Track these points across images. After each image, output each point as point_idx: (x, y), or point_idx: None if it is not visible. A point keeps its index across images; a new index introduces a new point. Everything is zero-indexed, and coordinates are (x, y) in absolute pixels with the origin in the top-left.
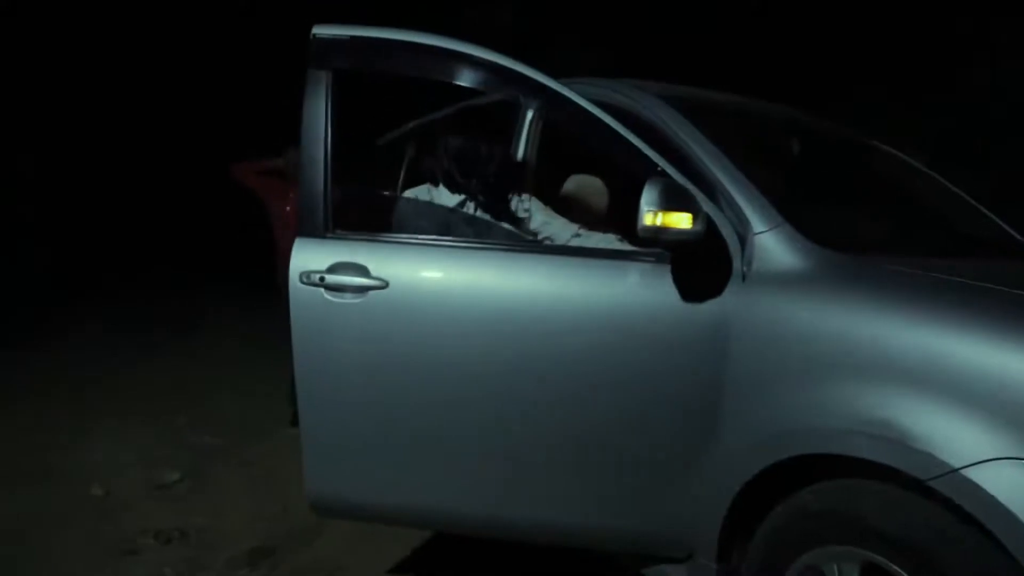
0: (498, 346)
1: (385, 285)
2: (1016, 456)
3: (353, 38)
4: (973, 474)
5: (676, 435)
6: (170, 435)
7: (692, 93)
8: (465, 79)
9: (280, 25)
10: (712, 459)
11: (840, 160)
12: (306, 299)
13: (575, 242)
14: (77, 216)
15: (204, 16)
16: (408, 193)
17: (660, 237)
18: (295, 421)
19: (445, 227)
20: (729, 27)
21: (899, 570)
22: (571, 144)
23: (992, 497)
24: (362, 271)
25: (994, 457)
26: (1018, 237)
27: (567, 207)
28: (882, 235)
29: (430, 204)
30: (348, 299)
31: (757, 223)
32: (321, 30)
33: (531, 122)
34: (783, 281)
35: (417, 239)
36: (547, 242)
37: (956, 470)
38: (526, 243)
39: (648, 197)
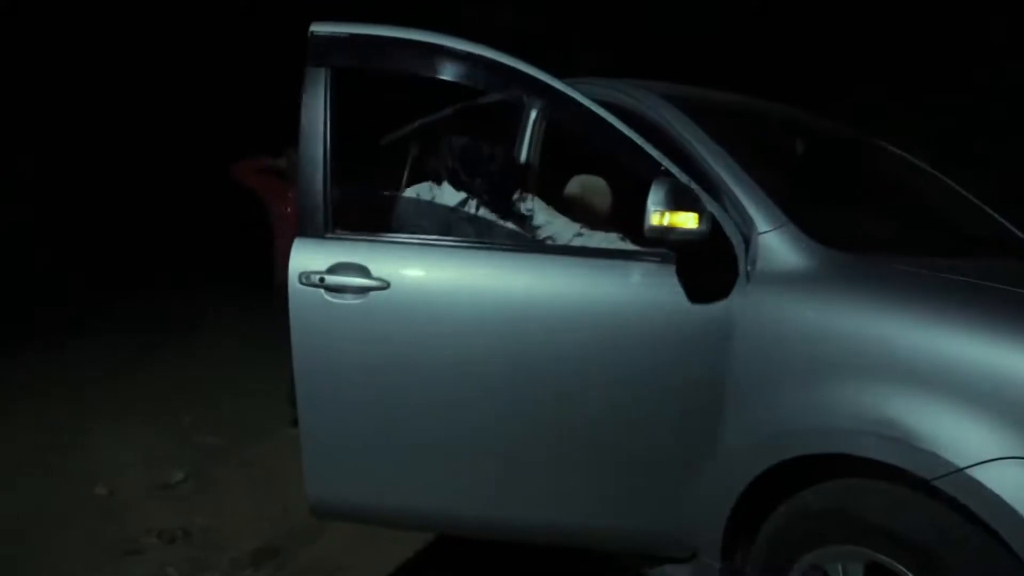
0: (501, 346)
1: (386, 286)
2: (1021, 456)
3: (352, 35)
4: (978, 473)
5: (679, 435)
6: (172, 435)
7: (696, 93)
8: (467, 78)
9: (280, 24)
10: (716, 459)
11: (844, 159)
12: (306, 300)
13: (577, 242)
14: (77, 216)
15: (204, 16)
16: (409, 191)
17: (666, 237)
18: (295, 422)
19: (446, 227)
20: (729, 27)
21: (904, 569)
22: (575, 144)
23: (997, 496)
24: (363, 272)
25: (999, 457)
26: (1022, 236)
27: (571, 207)
28: (886, 234)
29: (431, 204)
30: (348, 300)
31: (761, 223)
32: (319, 27)
33: (535, 122)
34: (787, 281)
35: (419, 239)
36: (549, 242)
37: (961, 469)
38: (530, 243)
39: (655, 197)
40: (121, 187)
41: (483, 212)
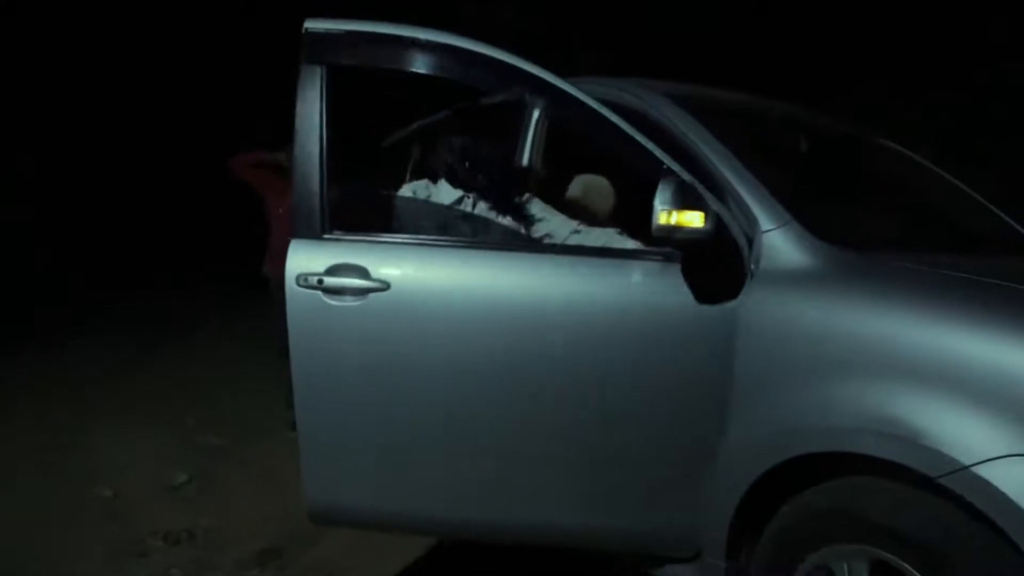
0: (505, 348)
1: (386, 287)
2: None
3: (348, 32)
4: (984, 471)
5: (683, 435)
6: (174, 436)
7: (699, 92)
8: (468, 77)
9: (280, 23)
10: (719, 458)
11: (846, 157)
12: (303, 302)
13: (574, 238)
14: (77, 216)
15: (204, 16)
16: (406, 189)
17: (673, 236)
18: (295, 426)
19: (443, 225)
20: (729, 27)
21: (909, 568)
22: (578, 144)
23: (1003, 494)
24: (362, 273)
25: (1005, 454)
26: None
27: (574, 207)
28: (889, 232)
29: (427, 202)
30: (347, 302)
31: (765, 221)
32: (314, 24)
33: (537, 121)
34: (791, 279)
35: (418, 239)
36: (547, 239)
37: (967, 467)
38: (535, 243)
39: (662, 196)
40: (121, 187)
41: (479, 210)
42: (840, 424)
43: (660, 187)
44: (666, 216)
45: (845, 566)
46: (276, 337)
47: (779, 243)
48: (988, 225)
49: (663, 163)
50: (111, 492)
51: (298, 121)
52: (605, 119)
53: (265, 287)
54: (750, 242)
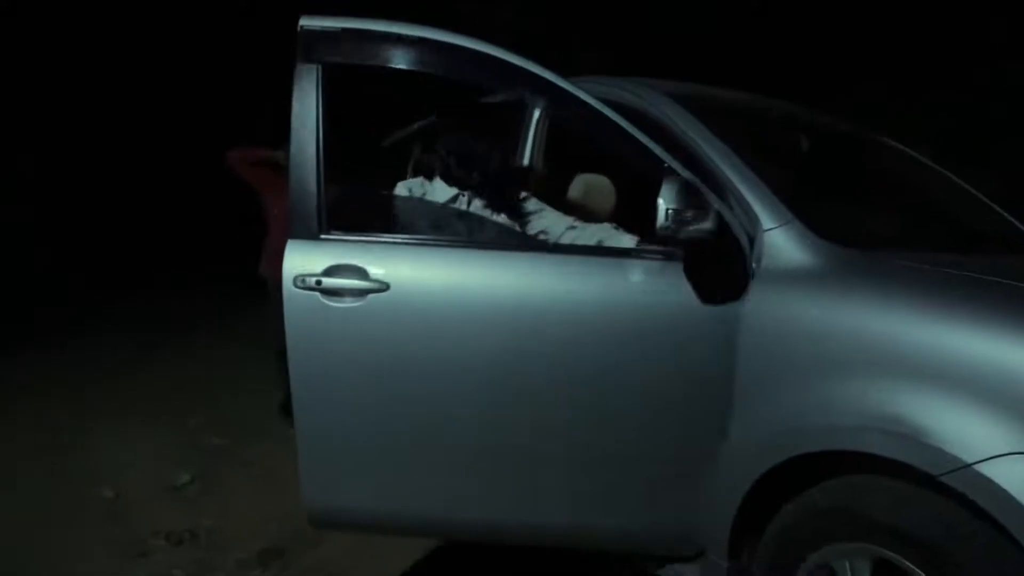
0: (508, 348)
1: (386, 288)
2: None
3: (344, 30)
4: (986, 469)
5: (685, 434)
6: (175, 436)
7: (700, 91)
8: (468, 76)
9: (280, 24)
10: (721, 457)
11: (848, 156)
12: (301, 304)
13: (570, 234)
14: (77, 216)
15: (204, 16)
16: (401, 187)
17: (677, 235)
18: (284, 408)
19: (438, 223)
20: (729, 27)
21: (911, 566)
22: (578, 143)
23: (1005, 492)
24: (361, 273)
25: (1007, 452)
26: None
27: (575, 206)
28: (891, 231)
29: (426, 202)
30: (346, 303)
31: (766, 220)
32: (309, 22)
33: (538, 121)
34: (793, 277)
35: (418, 239)
36: (542, 235)
37: (969, 465)
38: (534, 242)
39: (667, 195)
40: (121, 187)
41: (475, 207)
42: (842, 423)
43: (664, 186)
44: (670, 215)
45: (847, 564)
46: (275, 338)
47: (780, 242)
48: (989, 223)
49: (664, 162)
50: (112, 492)
51: (294, 120)
52: (606, 118)
53: (263, 287)
54: (751, 241)
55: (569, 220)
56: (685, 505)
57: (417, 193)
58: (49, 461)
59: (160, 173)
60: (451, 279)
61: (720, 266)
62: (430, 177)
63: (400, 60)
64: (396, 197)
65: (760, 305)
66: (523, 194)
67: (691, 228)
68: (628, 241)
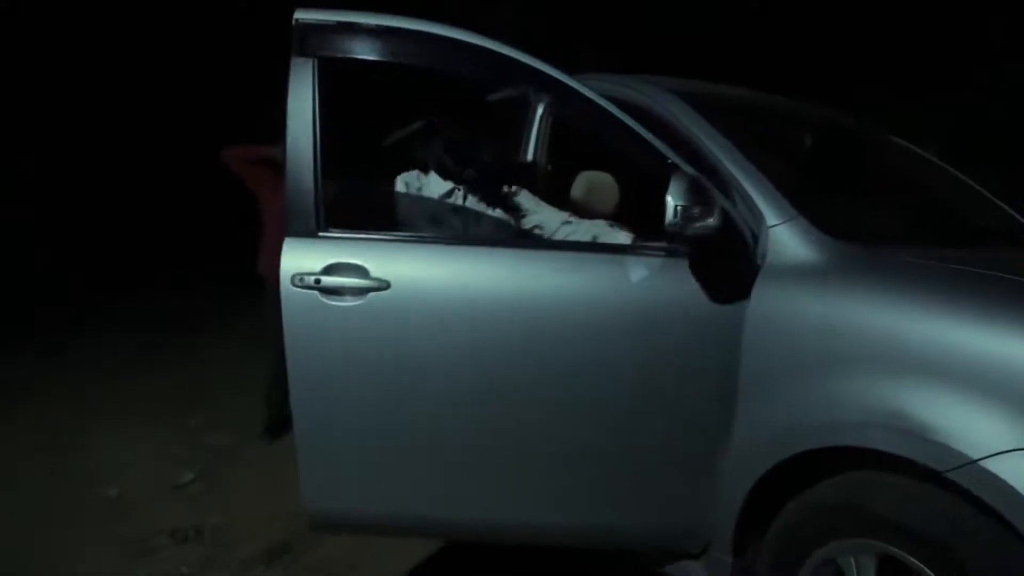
0: (511, 346)
1: (387, 286)
2: None
3: (340, 24)
4: (991, 465)
5: (689, 431)
6: (176, 435)
7: (703, 87)
8: (469, 72)
9: (280, 24)
10: (725, 454)
11: (852, 152)
12: (299, 303)
13: (565, 229)
14: (77, 216)
15: (204, 16)
16: (398, 181)
17: (684, 232)
18: (269, 428)
19: (436, 219)
20: (729, 27)
21: (916, 562)
22: (582, 140)
23: (1011, 488)
24: (361, 272)
25: (1012, 448)
26: None
27: (578, 203)
28: (895, 226)
29: (423, 198)
30: (346, 302)
31: (771, 216)
32: (304, 15)
33: (541, 118)
34: (797, 274)
35: (418, 236)
36: (537, 231)
37: (974, 461)
38: (539, 239)
39: (675, 191)
40: (121, 187)
41: (470, 202)
42: (847, 419)
43: (672, 182)
44: (679, 212)
45: (852, 561)
46: (274, 338)
47: (785, 238)
48: (994, 219)
49: (667, 158)
50: (116, 491)
51: (290, 116)
52: (610, 115)
53: (262, 287)
54: (755, 238)
55: (564, 215)
56: (689, 502)
57: (414, 186)
58: (49, 461)
59: (160, 173)
60: (454, 277)
61: (725, 262)
62: (426, 171)
63: (397, 54)
64: (392, 193)
65: (764, 301)
66: (516, 188)
67: (697, 225)
68: (623, 237)
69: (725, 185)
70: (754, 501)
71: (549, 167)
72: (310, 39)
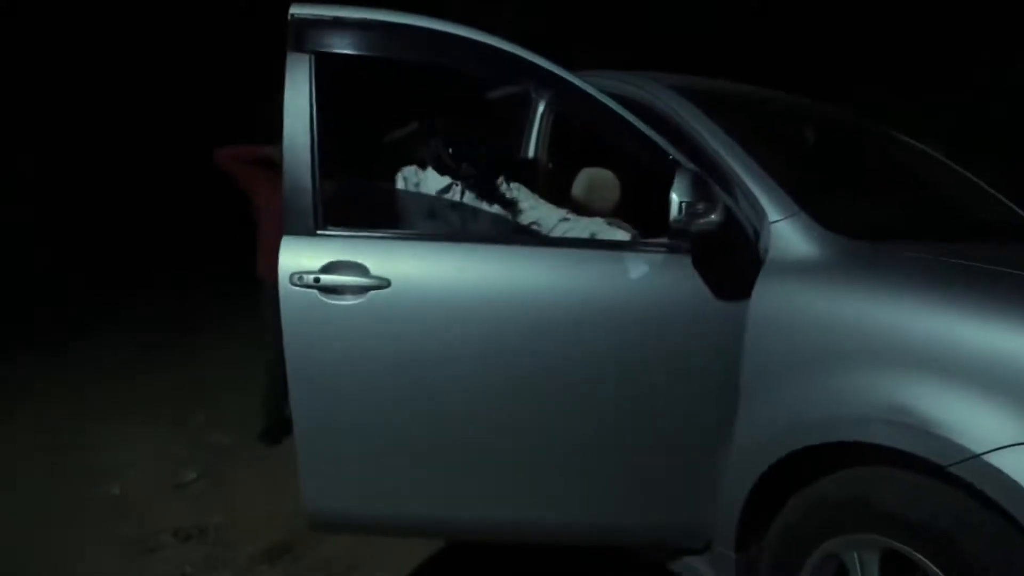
0: (514, 345)
1: (387, 284)
2: None
3: (337, 18)
4: (994, 459)
5: (691, 427)
6: (177, 434)
7: (705, 84)
8: (469, 68)
9: (280, 24)
10: (728, 450)
11: (854, 148)
12: (298, 302)
13: (563, 226)
14: (77, 216)
15: (204, 16)
16: (398, 175)
17: (688, 228)
18: (265, 432)
19: (434, 215)
20: (729, 27)
21: (920, 556)
22: (582, 137)
23: (1014, 482)
24: (361, 270)
25: (1016, 442)
26: None
27: (579, 200)
28: (897, 221)
29: (422, 194)
30: (346, 301)
31: (772, 212)
32: (300, 9)
33: (543, 114)
34: (799, 269)
35: (418, 234)
36: (535, 227)
37: (978, 455)
38: (540, 237)
39: (679, 187)
40: (121, 187)
41: (467, 198)
42: (849, 414)
43: (677, 179)
44: (683, 208)
45: (855, 555)
46: (273, 340)
47: (787, 233)
48: (996, 214)
49: (670, 155)
50: (116, 491)
51: (287, 113)
52: (612, 112)
53: (260, 287)
54: (757, 233)
55: (562, 212)
56: (691, 499)
57: (412, 181)
58: (49, 461)
59: (160, 173)
60: (455, 274)
61: (728, 259)
62: (423, 166)
63: (395, 50)
64: (391, 190)
65: (766, 297)
66: (513, 184)
67: (701, 221)
68: (621, 235)
69: (727, 181)
70: (757, 498)
71: (550, 164)
72: (306, 34)
